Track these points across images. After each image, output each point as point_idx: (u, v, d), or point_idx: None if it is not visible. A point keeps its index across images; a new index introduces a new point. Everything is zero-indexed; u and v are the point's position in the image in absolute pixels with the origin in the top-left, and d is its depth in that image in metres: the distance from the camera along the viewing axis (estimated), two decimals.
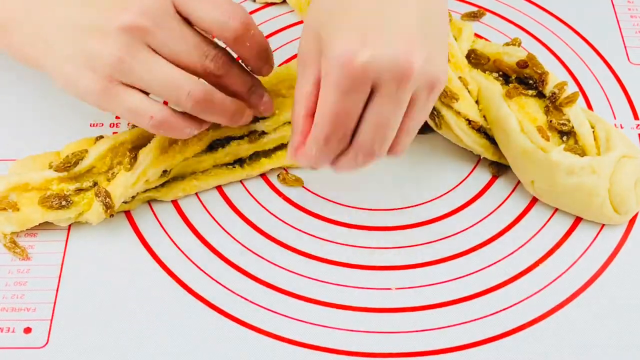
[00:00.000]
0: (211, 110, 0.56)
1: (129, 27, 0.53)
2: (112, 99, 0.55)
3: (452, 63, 0.64)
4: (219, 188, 0.65)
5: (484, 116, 0.64)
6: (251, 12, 0.76)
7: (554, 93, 0.63)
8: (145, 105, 0.55)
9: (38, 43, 0.56)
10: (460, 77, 0.64)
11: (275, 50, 0.74)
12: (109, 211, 0.59)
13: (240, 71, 0.58)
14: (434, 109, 0.63)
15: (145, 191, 0.62)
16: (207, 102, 0.56)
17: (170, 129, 0.56)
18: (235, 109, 0.58)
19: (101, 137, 0.62)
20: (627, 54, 0.74)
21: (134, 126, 0.63)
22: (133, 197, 0.62)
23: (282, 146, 0.65)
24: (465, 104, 0.63)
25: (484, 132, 0.65)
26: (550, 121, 0.62)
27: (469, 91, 0.64)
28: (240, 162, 0.65)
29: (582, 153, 0.61)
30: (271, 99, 0.61)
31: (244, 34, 0.56)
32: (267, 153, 0.65)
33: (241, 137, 0.63)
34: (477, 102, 0.64)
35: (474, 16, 0.77)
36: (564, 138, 0.62)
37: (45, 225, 0.61)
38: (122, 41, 0.53)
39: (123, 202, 0.61)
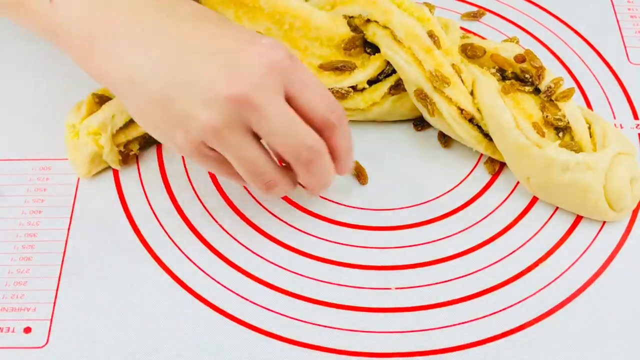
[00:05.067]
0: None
1: (239, 99, 0.51)
2: (202, 159, 0.55)
3: (443, 50, 0.65)
4: (219, 189, 0.65)
5: (477, 109, 0.64)
6: None
7: (550, 87, 0.63)
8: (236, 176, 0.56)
9: (123, 69, 0.54)
10: (453, 65, 0.64)
11: None
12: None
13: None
14: (426, 96, 0.64)
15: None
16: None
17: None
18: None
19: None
20: (627, 53, 0.74)
21: None
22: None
23: None
24: (457, 91, 0.63)
25: (478, 126, 0.65)
26: (546, 116, 0.63)
27: (462, 80, 0.64)
28: None
29: (578, 149, 0.61)
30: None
31: (339, 129, 0.55)
32: None
33: None
34: (472, 94, 0.65)
35: (474, 16, 0.77)
36: (560, 134, 0.63)
37: (45, 225, 0.61)
38: (225, 112, 0.51)
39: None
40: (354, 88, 0.66)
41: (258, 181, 0.55)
